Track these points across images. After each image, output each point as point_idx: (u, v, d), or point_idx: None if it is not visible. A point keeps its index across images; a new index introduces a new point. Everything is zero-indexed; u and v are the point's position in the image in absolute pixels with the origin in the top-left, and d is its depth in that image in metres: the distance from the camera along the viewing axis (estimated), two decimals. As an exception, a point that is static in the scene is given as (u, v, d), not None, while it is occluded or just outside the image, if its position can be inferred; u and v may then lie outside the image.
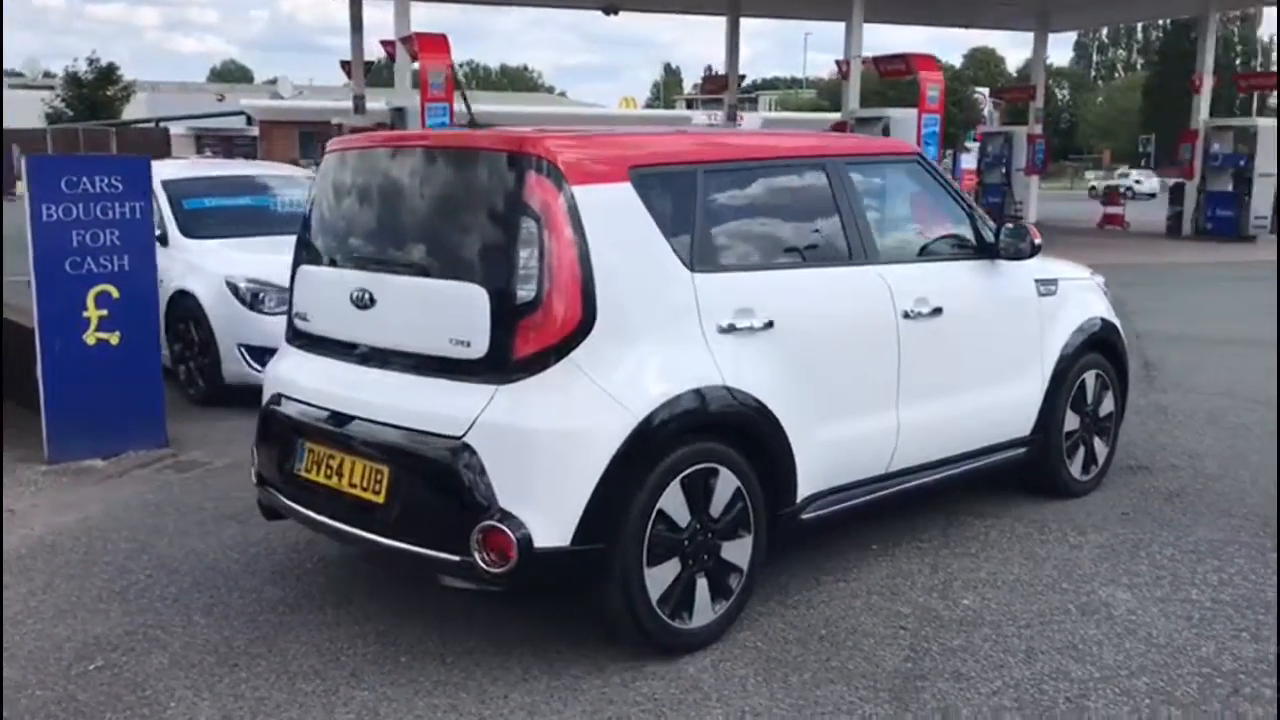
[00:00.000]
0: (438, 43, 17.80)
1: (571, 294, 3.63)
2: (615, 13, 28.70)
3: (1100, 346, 5.66)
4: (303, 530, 5.02)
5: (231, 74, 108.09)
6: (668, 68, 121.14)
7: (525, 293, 3.61)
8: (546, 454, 3.59)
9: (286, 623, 4.21)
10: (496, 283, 3.64)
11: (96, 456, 6.32)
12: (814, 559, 4.70)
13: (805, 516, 4.27)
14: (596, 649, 3.91)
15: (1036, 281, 5.31)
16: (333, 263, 4.21)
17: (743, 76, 27.71)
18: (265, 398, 4.44)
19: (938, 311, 4.68)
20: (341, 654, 3.94)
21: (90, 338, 6.26)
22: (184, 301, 7.64)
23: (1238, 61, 77.86)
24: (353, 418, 3.94)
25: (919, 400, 4.66)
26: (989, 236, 5.08)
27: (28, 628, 4.18)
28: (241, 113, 41.66)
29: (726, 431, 3.93)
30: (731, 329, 3.97)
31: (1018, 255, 5.04)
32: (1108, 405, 5.79)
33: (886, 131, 19.55)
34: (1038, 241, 5.01)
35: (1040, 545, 4.98)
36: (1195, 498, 5.67)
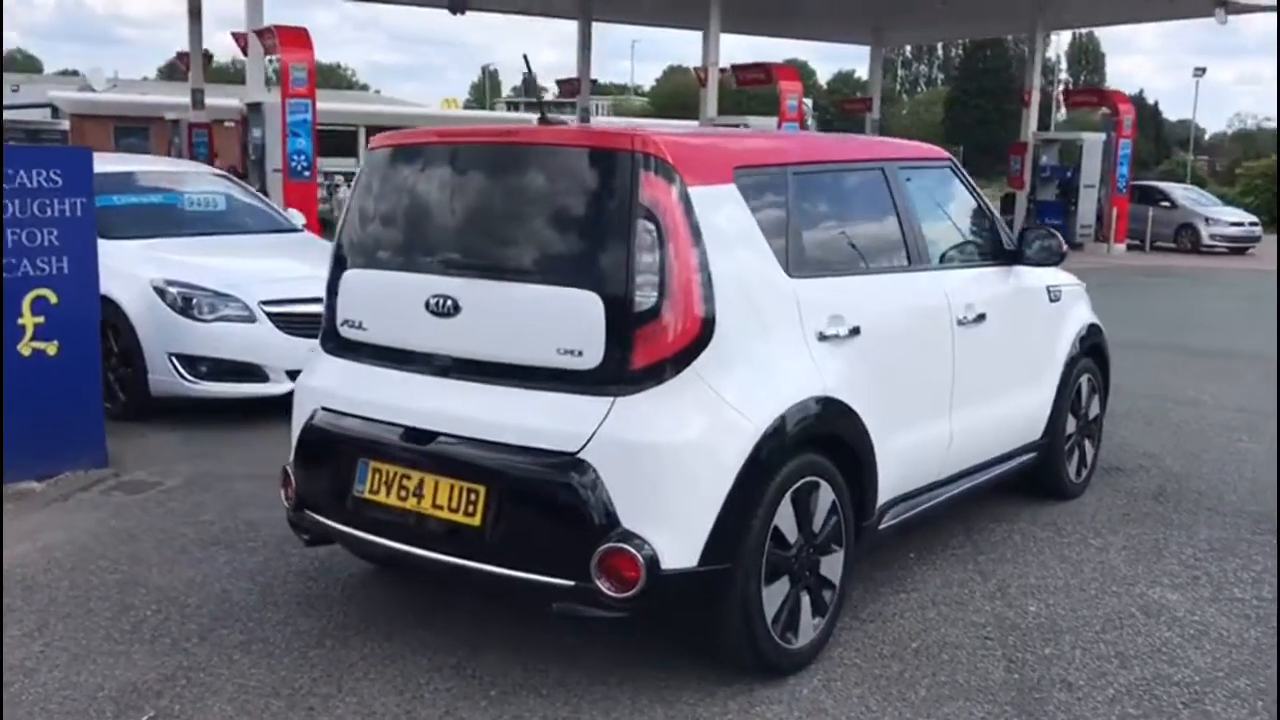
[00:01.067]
0: (299, 37, 17.04)
1: (692, 300, 3.43)
2: (462, 11, 28.17)
3: (1091, 351, 5.79)
4: (309, 555, 4.68)
5: (18, 63, 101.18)
6: (485, 70, 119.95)
7: (644, 299, 3.39)
8: (673, 469, 3.38)
9: (342, 658, 3.85)
10: (612, 289, 3.41)
11: (32, 478, 5.71)
12: (864, 570, 4.61)
13: (881, 526, 4.19)
14: (694, 673, 3.72)
15: (1047, 288, 5.39)
16: (399, 267, 3.87)
17: (594, 81, 27.62)
18: (304, 413, 4.06)
19: (982, 318, 4.68)
20: (423, 690, 3.63)
21: (25, 347, 5.66)
22: (103, 308, 6.98)
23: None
24: (436, 434, 3.63)
25: (966, 406, 4.65)
26: (1009, 242, 5.11)
27: (45, 676, 3.69)
28: (48, 104, 39.00)
29: (826, 443, 3.81)
30: (825, 336, 3.85)
31: (1043, 262, 5.09)
32: (1094, 408, 5.94)
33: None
34: (1065, 249, 5.08)
35: (1067, 548, 5.04)
36: (1179, 497, 5.86)
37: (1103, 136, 24.99)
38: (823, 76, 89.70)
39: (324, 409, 3.98)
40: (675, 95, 63.92)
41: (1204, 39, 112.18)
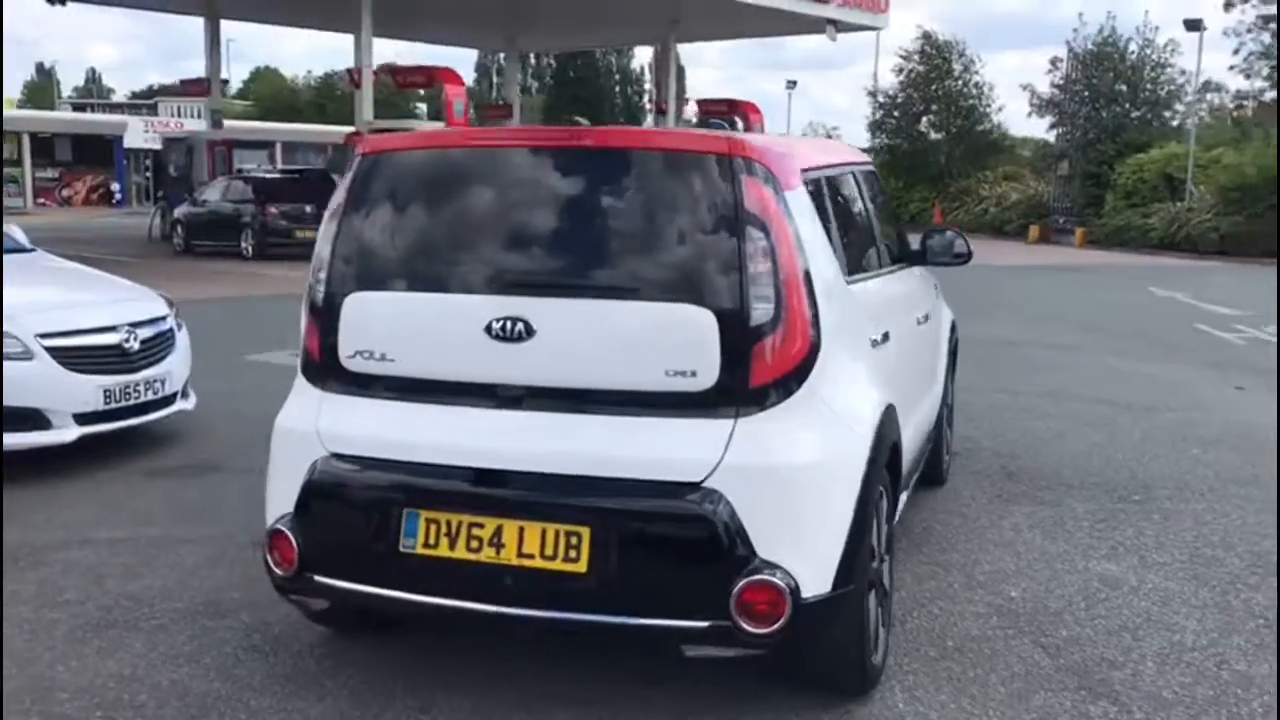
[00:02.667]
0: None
1: (804, 310, 3.26)
2: (63, 1, 25.44)
3: (954, 346, 6.13)
4: (245, 628, 4.12)
5: None
6: (43, 68, 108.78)
7: (761, 313, 3.18)
8: (807, 491, 3.20)
9: (391, 743, 3.33)
10: (725, 302, 3.17)
11: None
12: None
13: (892, 530, 4.19)
14: (769, 700, 3.55)
15: (934, 286, 5.64)
16: (442, 287, 3.37)
17: (226, 81, 25.80)
18: (299, 462, 3.45)
19: (927, 318, 4.82)
20: (520, 766, 3.21)
21: None
22: None
23: (617, 88, 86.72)
24: (517, 474, 3.21)
25: (916, 403, 4.76)
26: (914, 242, 5.28)
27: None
28: None
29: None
30: (874, 342, 3.80)
31: (948, 262, 5.29)
32: (951, 396, 6.28)
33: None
34: (970, 248, 5.30)
35: (987, 531, 5.29)
36: (1025, 476, 6.31)
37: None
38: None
39: (336, 455, 3.41)
40: (276, 98, 61.01)
41: (758, 55, 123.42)
